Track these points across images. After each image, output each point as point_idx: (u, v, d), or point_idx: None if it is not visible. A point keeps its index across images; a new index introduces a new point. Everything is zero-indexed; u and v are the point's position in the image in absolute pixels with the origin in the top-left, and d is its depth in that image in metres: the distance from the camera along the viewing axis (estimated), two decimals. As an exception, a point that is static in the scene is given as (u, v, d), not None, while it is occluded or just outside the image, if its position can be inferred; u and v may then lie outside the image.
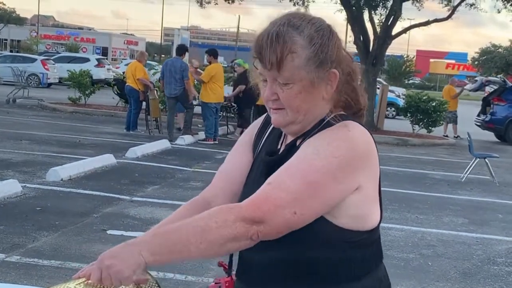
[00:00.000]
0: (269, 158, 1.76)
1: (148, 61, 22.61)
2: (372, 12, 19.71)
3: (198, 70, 14.90)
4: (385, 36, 19.47)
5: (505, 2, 20.38)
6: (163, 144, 12.59)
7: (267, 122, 1.86)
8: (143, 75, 14.74)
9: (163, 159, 11.13)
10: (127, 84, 14.92)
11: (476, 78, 27.69)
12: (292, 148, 1.71)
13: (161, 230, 1.58)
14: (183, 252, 1.51)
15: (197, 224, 1.52)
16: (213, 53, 14.12)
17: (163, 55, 69.67)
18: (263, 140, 1.85)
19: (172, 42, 54.60)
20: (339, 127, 1.65)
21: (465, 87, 23.89)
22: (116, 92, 17.75)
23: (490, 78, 23.09)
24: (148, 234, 1.57)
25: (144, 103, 14.93)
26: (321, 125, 1.68)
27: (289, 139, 1.77)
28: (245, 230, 1.52)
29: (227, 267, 1.83)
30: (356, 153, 1.61)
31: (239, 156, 1.87)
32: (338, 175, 1.57)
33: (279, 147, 1.79)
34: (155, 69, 20.74)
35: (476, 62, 58.29)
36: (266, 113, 1.86)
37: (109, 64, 37.29)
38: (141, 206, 7.57)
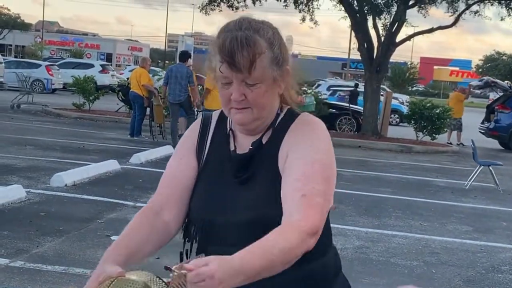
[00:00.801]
0: (240, 155, 1.85)
1: (152, 67, 22.66)
2: (376, 19, 19.74)
3: (198, 75, 14.90)
4: (389, 43, 19.48)
5: (509, 9, 20.39)
6: (167, 150, 12.61)
7: (205, 126, 1.95)
8: (147, 81, 14.79)
9: (166, 165, 11.12)
10: (131, 90, 14.97)
11: (482, 77, 27.61)
12: (261, 146, 1.84)
13: (238, 261, 1.54)
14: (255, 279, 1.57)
15: (271, 254, 1.56)
16: None
17: (167, 61, 69.82)
18: (208, 143, 1.92)
19: (176, 49, 54.69)
20: (310, 120, 1.85)
21: (470, 83, 23.84)
22: (120, 98, 17.81)
23: (496, 80, 22.97)
24: (225, 264, 1.52)
25: (148, 109, 14.98)
26: (279, 119, 1.85)
27: (241, 137, 1.87)
28: (307, 245, 1.64)
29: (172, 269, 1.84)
30: (330, 139, 1.84)
31: (183, 162, 1.91)
32: (335, 163, 1.81)
33: (232, 147, 1.88)
34: (159, 75, 20.78)
35: (480, 70, 58.28)
36: (200, 117, 1.98)
37: (113, 70, 37.40)
38: (145, 212, 7.57)
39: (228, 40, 1.72)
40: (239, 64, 1.71)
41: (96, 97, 19.75)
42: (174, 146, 13.13)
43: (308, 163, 1.73)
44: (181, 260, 1.87)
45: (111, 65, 44.70)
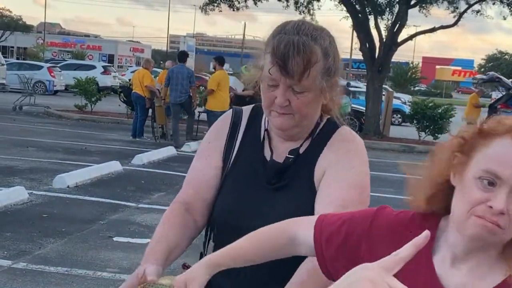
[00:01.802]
0: (277, 163, 1.80)
1: (154, 68, 22.65)
2: (378, 19, 19.73)
3: (198, 75, 15.07)
4: (391, 43, 19.46)
5: (511, 8, 20.37)
6: (169, 151, 12.61)
7: (235, 124, 1.89)
8: (150, 82, 14.83)
9: (169, 166, 11.14)
10: (133, 91, 14.98)
11: (488, 72, 27.56)
12: (298, 157, 1.80)
13: None
14: None
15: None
16: (219, 60, 14.17)
17: (167, 62, 69.91)
18: (238, 143, 1.87)
19: (178, 49, 54.78)
20: (350, 137, 1.82)
21: (475, 76, 23.85)
22: (122, 100, 17.83)
23: (501, 76, 22.90)
24: None
25: (150, 110, 15.01)
26: (318, 129, 1.82)
27: (277, 141, 1.82)
28: None
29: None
30: (367, 159, 1.83)
31: (208, 161, 1.88)
32: (369, 184, 1.79)
33: (267, 150, 1.83)
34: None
35: (482, 69, 58.25)
36: (231, 113, 1.91)
37: (115, 72, 37.41)
38: (147, 213, 7.57)
39: (283, 43, 1.66)
40: (291, 70, 1.65)
41: (98, 98, 19.75)
42: (176, 147, 13.16)
43: (345, 187, 1.70)
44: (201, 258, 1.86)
45: (113, 66, 44.68)
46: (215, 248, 1.87)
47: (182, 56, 14.46)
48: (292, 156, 1.79)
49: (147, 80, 14.71)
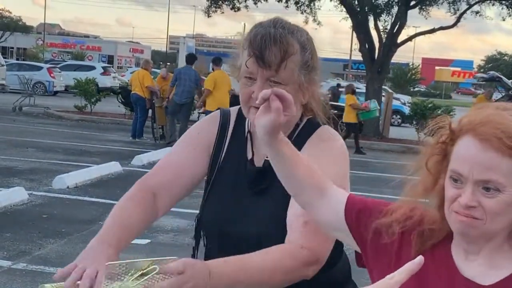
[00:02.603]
0: (255, 169, 1.79)
1: (154, 69, 22.67)
2: (378, 19, 19.74)
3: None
4: (391, 43, 19.49)
5: (511, 9, 20.39)
6: (168, 151, 12.60)
7: (223, 126, 1.87)
8: (151, 82, 14.87)
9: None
10: (133, 92, 14.99)
11: (488, 72, 27.58)
12: None
13: (228, 268, 1.56)
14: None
15: (263, 272, 1.56)
16: (214, 61, 14.09)
17: (168, 63, 69.94)
18: (226, 145, 1.86)
19: (177, 50, 54.75)
20: (328, 137, 1.78)
21: (476, 75, 23.86)
22: (120, 100, 17.86)
23: (502, 76, 22.91)
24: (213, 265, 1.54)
25: (150, 110, 15.04)
26: (298, 130, 1.79)
27: (259, 143, 1.79)
28: (304, 273, 1.62)
29: None
30: (348, 159, 1.80)
31: (192, 154, 1.85)
32: (348, 184, 1.75)
33: (249, 153, 1.82)
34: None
35: (482, 70, 58.27)
36: (219, 114, 1.89)
37: (114, 72, 37.41)
38: (147, 213, 7.57)
39: (260, 35, 1.67)
40: (268, 59, 1.65)
41: (98, 99, 19.76)
42: (169, 143, 13.30)
43: None
44: (193, 256, 1.88)
45: (112, 67, 44.70)
46: (206, 253, 1.87)
47: (190, 59, 14.61)
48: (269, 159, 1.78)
49: (147, 81, 14.73)
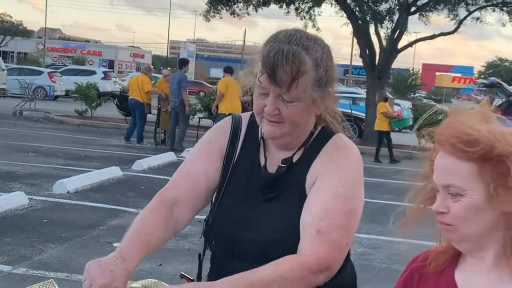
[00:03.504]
0: (268, 174, 1.79)
1: (154, 74, 22.69)
2: (378, 25, 19.77)
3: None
4: (391, 49, 19.51)
5: (511, 15, 20.42)
6: (169, 156, 12.61)
7: (235, 131, 1.87)
8: (151, 87, 14.96)
9: (169, 171, 11.12)
10: (131, 97, 15.03)
11: (489, 77, 27.59)
12: (291, 166, 1.78)
13: (236, 279, 1.57)
14: None
15: (270, 285, 1.56)
16: (226, 69, 14.52)
17: (169, 68, 70.13)
18: (238, 151, 1.85)
19: (178, 55, 54.81)
20: (344, 145, 1.78)
21: (476, 81, 23.78)
22: (116, 104, 17.89)
23: (502, 82, 22.90)
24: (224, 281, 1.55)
25: (149, 115, 15.13)
26: (312, 138, 1.79)
27: (273, 148, 1.81)
28: (313, 281, 1.62)
29: (190, 278, 1.82)
30: (362, 167, 1.80)
31: (206, 161, 1.85)
32: (362, 192, 1.76)
33: (262, 158, 1.82)
34: None
35: (482, 76, 58.26)
36: (230, 119, 1.90)
37: (115, 77, 37.46)
38: (147, 218, 7.57)
39: (273, 52, 1.65)
40: (279, 79, 1.64)
41: (98, 103, 19.78)
42: (173, 149, 13.36)
43: (330, 196, 1.68)
44: (200, 267, 1.88)
45: (113, 71, 44.75)
46: (213, 258, 1.87)
47: (180, 63, 14.86)
48: (284, 166, 1.78)
49: (147, 86, 14.79)
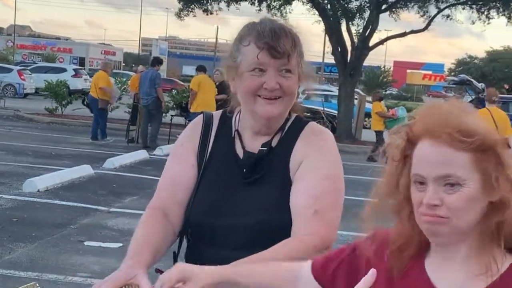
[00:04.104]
0: (251, 154, 1.84)
1: (125, 71, 22.53)
2: (350, 23, 19.89)
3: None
4: (363, 47, 19.64)
5: (480, 13, 20.69)
6: (141, 154, 12.53)
7: (207, 126, 1.92)
8: (105, 84, 14.77)
9: (141, 169, 11.07)
10: (89, 93, 15.11)
11: (459, 75, 27.91)
12: (271, 149, 1.84)
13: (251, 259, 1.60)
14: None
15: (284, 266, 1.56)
16: (198, 68, 14.56)
17: (141, 66, 69.68)
18: (211, 144, 1.90)
19: (150, 52, 54.55)
20: (321, 131, 1.88)
21: (447, 78, 24.01)
22: (85, 103, 17.74)
23: (472, 79, 23.22)
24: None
25: (111, 112, 15.18)
26: (288, 123, 1.87)
27: (248, 139, 1.86)
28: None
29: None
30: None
31: (181, 163, 1.90)
32: (343, 173, 1.86)
33: (239, 149, 1.86)
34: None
35: (452, 73, 58.91)
36: (202, 117, 1.95)
37: (86, 74, 37.06)
38: (119, 217, 7.52)
39: (268, 28, 1.76)
40: (281, 49, 1.73)
41: (69, 101, 19.58)
42: (145, 147, 13.27)
43: (320, 177, 1.76)
44: (175, 261, 1.89)
45: (84, 69, 44.29)
46: (189, 248, 1.89)
47: (154, 61, 14.89)
48: (265, 148, 1.83)
49: (102, 82, 14.76)
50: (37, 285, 1.65)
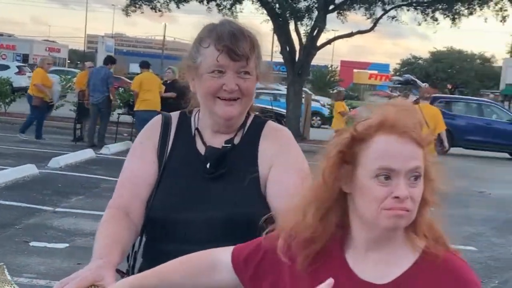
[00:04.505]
0: (215, 150, 1.85)
1: (71, 69, 22.18)
2: (298, 23, 20.03)
3: (119, 76, 15.08)
4: (311, 46, 19.80)
5: (425, 15, 21.12)
6: (87, 153, 12.34)
7: (166, 125, 1.93)
8: (40, 81, 14.46)
9: (87, 169, 10.90)
10: (27, 91, 14.88)
11: (404, 74, 28.42)
12: (234, 146, 1.86)
13: None
14: None
15: None
16: (141, 64, 14.33)
17: (86, 62, 68.63)
18: (171, 142, 1.91)
19: (96, 50, 53.63)
20: (281, 128, 1.93)
21: (392, 78, 24.40)
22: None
23: (416, 79, 23.71)
24: None
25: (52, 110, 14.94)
26: (249, 121, 1.90)
27: (209, 137, 1.87)
28: None
29: (122, 272, 1.82)
30: None
31: (141, 160, 1.90)
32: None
33: (200, 147, 1.88)
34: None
35: (398, 73, 59.91)
36: (160, 117, 1.96)
37: (30, 72, 36.25)
38: (65, 217, 7.39)
39: (227, 30, 1.79)
40: (240, 52, 1.77)
41: (13, 99, 19.14)
42: (91, 146, 13.05)
43: (296, 175, 1.78)
44: (134, 262, 1.88)
45: (28, 66, 43.30)
46: (147, 245, 1.88)
47: (106, 60, 14.65)
48: (229, 145, 1.85)
49: (36, 79, 14.56)
50: (4, 267, 1.58)
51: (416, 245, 1.35)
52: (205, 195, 1.81)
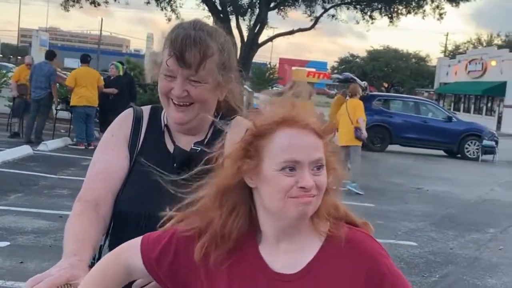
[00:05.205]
0: (185, 152, 1.84)
1: (3, 63, 21.55)
2: (242, 19, 20.05)
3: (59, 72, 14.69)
4: (252, 43, 19.85)
5: (363, 14, 21.48)
6: (24, 150, 11.99)
7: (137, 120, 1.92)
8: None
9: (25, 165, 10.59)
10: None
11: (343, 73, 28.83)
12: (202, 149, 1.80)
13: None
14: None
15: None
16: (82, 58, 14.09)
17: (19, 57, 66.47)
18: (142, 137, 1.90)
19: (29, 44, 52.22)
20: (246, 124, 1.82)
21: (331, 75, 24.67)
22: None
23: (355, 77, 24.13)
24: None
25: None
26: (216, 124, 1.82)
27: (178, 135, 1.88)
28: None
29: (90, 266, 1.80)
30: None
31: (113, 153, 1.88)
32: None
33: (169, 144, 1.88)
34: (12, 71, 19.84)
35: (335, 71, 60.82)
36: (132, 111, 1.94)
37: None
38: (4, 215, 7.16)
39: (181, 36, 1.76)
40: (188, 60, 1.74)
41: None
42: (27, 142, 12.73)
43: None
44: (100, 255, 1.85)
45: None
46: (113, 237, 1.85)
47: (48, 55, 14.31)
48: (198, 148, 1.83)
49: None
50: None
51: (320, 231, 1.40)
52: (169, 192, 1.76)
